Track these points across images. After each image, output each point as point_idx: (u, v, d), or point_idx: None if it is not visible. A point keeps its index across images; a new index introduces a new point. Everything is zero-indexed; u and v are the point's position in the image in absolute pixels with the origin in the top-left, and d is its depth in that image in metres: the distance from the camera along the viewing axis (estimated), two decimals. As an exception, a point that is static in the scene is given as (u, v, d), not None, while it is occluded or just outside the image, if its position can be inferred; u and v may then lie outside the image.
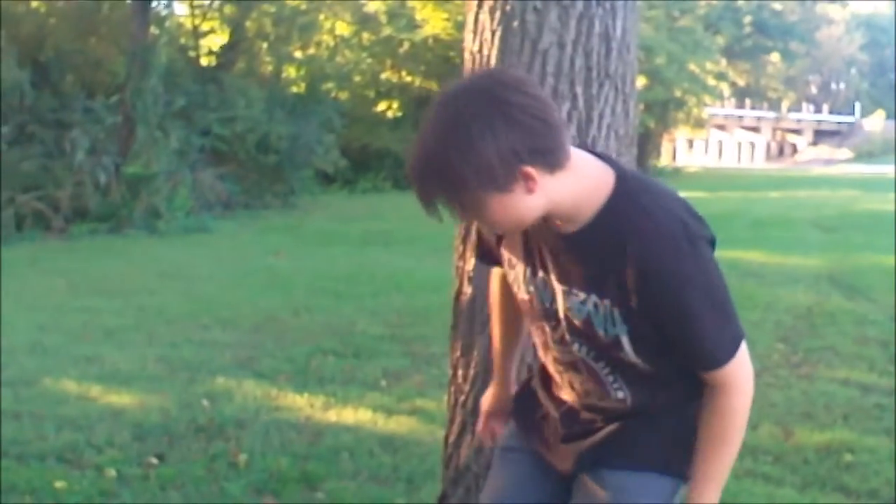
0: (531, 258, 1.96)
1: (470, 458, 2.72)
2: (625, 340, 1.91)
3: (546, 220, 1.86)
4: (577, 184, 1.82)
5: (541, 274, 1.96)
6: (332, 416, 5.63)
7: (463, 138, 1.69)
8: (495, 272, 2.24)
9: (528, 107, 1.72)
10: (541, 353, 2.13)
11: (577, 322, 1.93)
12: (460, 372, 2.79)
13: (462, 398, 2.77)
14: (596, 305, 1.89)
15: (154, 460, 4.85)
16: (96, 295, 9.86)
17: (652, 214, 1.84)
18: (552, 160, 1.76)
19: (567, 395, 2.11)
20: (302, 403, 5.87)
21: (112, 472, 4.66)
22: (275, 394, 6.08)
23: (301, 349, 7.27)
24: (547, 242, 1.92)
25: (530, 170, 1.73)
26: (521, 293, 2.03)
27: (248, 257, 12.77)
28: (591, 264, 1.87)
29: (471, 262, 2.75)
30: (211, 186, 18.07)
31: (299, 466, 4.74)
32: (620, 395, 2.02)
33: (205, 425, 5.37)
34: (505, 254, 2.04)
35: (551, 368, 2.11)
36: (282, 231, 16.23)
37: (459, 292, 2.81)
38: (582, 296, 1.91)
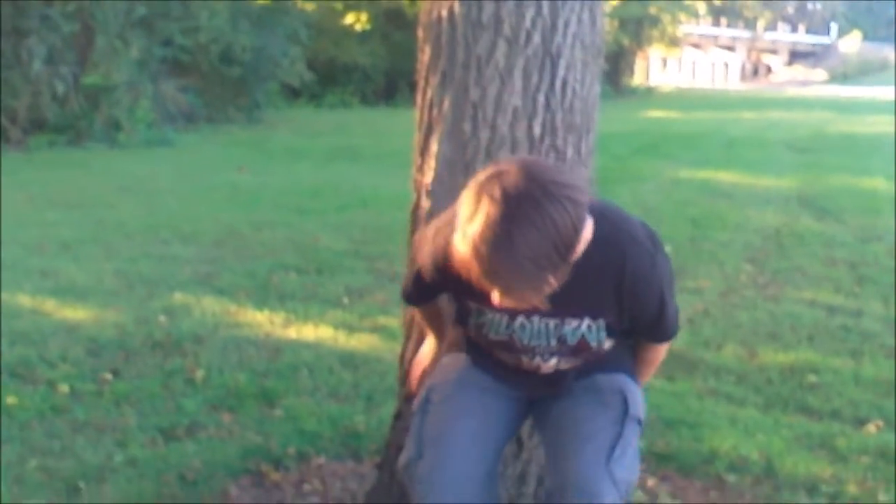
0: (507, 309, 2.13)
1: (426, 377, 2.63)
2: (607, 343, 2.25)
3: None
4: None
5: (520, 319, 2.18)
6: (293, 332, 5.53)
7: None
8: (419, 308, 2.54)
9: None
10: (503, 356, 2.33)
11: (570, 343, 2.21)
12: (416, 288, 2.68)
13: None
14: (589, 326, 2.20)
15: (108, 376, 4.75)
16: (54, 208, 9.65)
17: (634, 236, 2.18)
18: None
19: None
20: (262, 320, 5.76)
21: (65, 388, 4.55)
22: (234, 310, 5.97)
23: (262, 265, 7.14)
24: None
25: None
26: (494, 335, 2.24)
27: (210, 172, 12.55)
28: (587, 289, 2.11)
29: (429, 176, 2.62)
30: (173, 98, 17.67)
31: (258, 383, 4.66)
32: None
33: (161, 341, 5.26)
34: (473, 306, 2.22)
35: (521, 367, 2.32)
36: (246, 145, 15.97)
37: (417, 206, 2.68)
38: (575, 322, 2.18)
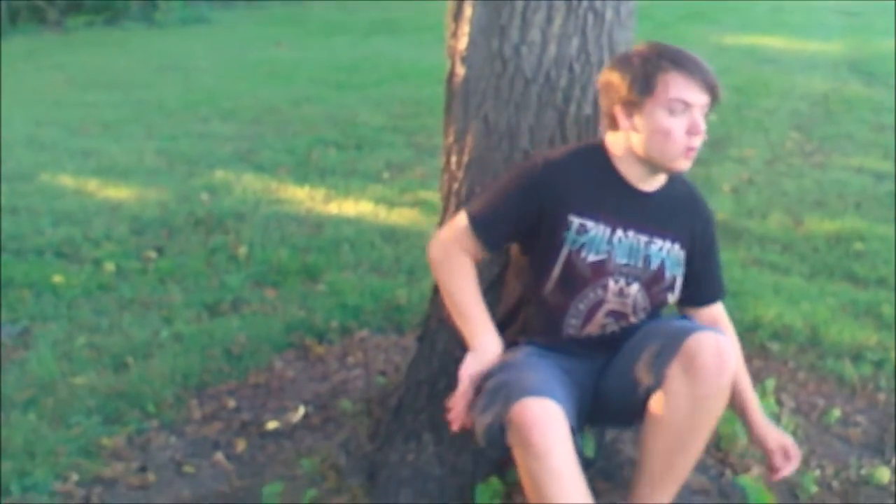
0: (611, 218, 2.26)
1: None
2: (678, 281, 2.36)
3: (627, 179, 2.29)
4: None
5: (619, 232, 2.27)
6: (333, 208, 5.53)
7: None
8: (471, 252, 2.34)
9: None
10: (574, 322, 2.32)
11: (652, 269, 2.30)
12: (454, 159, 2.63)
13: (456, 186, 2.62)
14: (669, 251, 2.32)
15: (152, 254, 4.79)
16: (94, 88, 9.63)
17: (699, 191, 2.49)
18: None
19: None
20: (302, 196, 5.76)
21: (110, 266, 4.61)
22: (275, 186, 5.97)
23: (302, 141, 7.11)
24: (630, 202, 2.28)
25: None
26: (593, 256, 2.26)
27: (248, 48, 12.39)
28: (673, 216, 2.33)
29: (463, 41, 2.54)
30: (209, -25, 17.35)
31: (300, 258, 4.68)
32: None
33: (204, 218, 5.28)
34: (574, 221, 2.24)
35: (589, 326, 2.33)
36: (283, 21, 15.72)
37: (452, 73, 2.61)
38: (660, 242, 2.31)
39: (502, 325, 2.37)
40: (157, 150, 6.92)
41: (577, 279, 2.27)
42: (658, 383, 2.16)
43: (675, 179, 2.34)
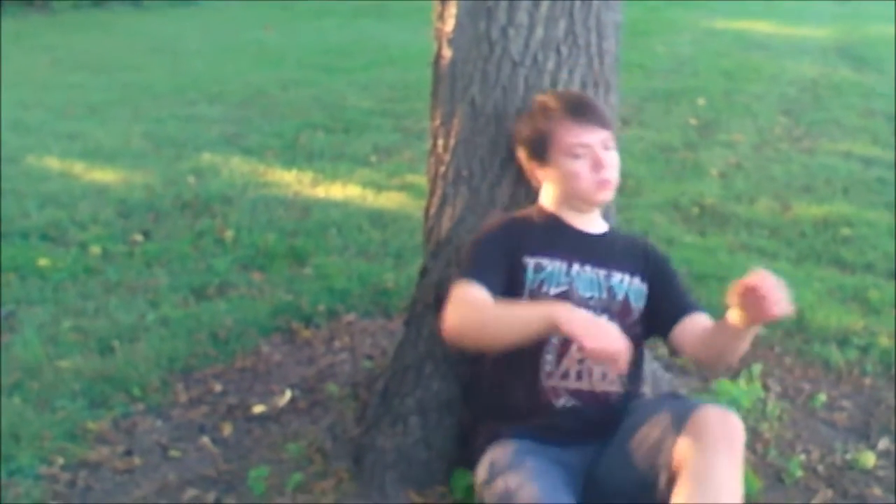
0: (565, 255, 2.32)
1: (451, 231, 2.59)
2: (642, 310, 2.37)
3: (572, 224, 2.36)
4: None
5: (576, 266, 2.32)
6: (321, 191, 5.51)
7: None
8: (482, 292, 2.24)
9: None
10: (550, 360, 2.25)
11: (618, 299, 2.33)
12: (440, 142, 2.61)
13: (442, 169, 2.61)
14: (630, 283, 2.36)
15: (139, 237, 4.77)
16: (80, 70, 9.58)
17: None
18: None
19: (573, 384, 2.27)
20: (290, 179, 5.74)
21: (96, 249, 4.59)
22: (262, 169, 5.95)
23: (290, 124, 7.08)
24: (580, 242, 2.36)
25: None
26: (554, 289, 2.28)
27: (236, 31, 12.36)
28: (626, 253, 2.41)
29: (450, 24, 2.52)
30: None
31: (287, 242, 4.66)
32: (619, 381, 2.30)
33: (190, 202, 5.26)
34: (530, 262, 2.30)
35: (563, 368, 2.25)
36: (271, 4, 15.67)
37: (439, 56, 2.59)
38: (619, 275, 2.36)
39: (482, 397, 2.38)
40: (143, 132, 6.88)
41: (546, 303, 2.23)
42: (668, 468, 2.05)
43: (614, 227, 2.51)
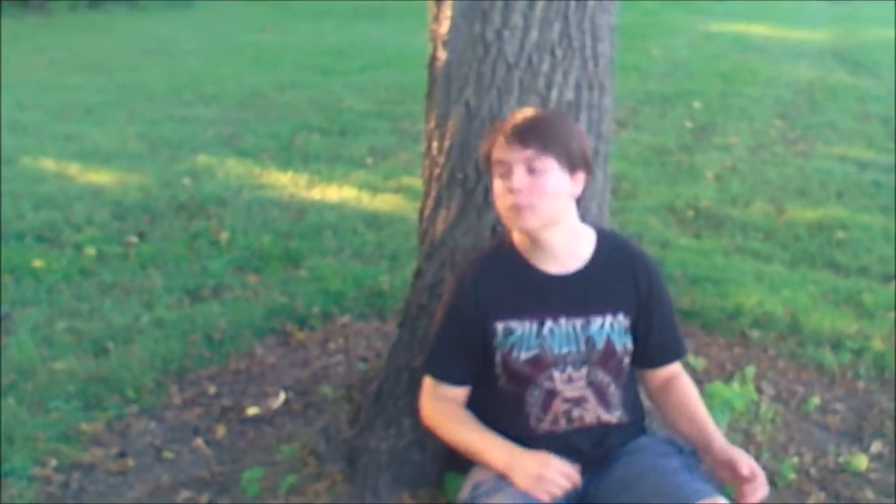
0: (535, 313, 2.17)
1: (445, 233, 2.59)
2: (630, 346, 2.21)
3: (541, 268, 2.17)
4: (576, 220, 2.20)
5: (548, 323, 2.17)
6: (317, 193, 5.51)
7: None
8: (449, 395, 2.25)
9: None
10: (536, 412, 2.19)
11: (599, 348, 2.18)
12: (435, 144, 2.61)
13: (437, 171, 2.61)
14: (612, 325, 2.20)
15: (134, 239, 4.77)
16: (77, 72, 9.58)
17: (635, 244, 2.36)
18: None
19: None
20: (285, 181, 5.74)
21: (91, 251, 4.59)
22: (258, 171, 5.95)
23: (286, 126, 7.08)
24: (552, 291, 2.17)
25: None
26: (524, 354, 2.16)
27: (233, 32, 12.36)
28: (603, 285, 2.20)
29: (445, 25, 2.52)
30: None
31: (282, 244, 4.66)
32: (617, 413, 2.22)
33: (186, 203, 5.26)
34: (499, 326, 2.17)
35: (551, 416, 2.19)
36: (269, 5, 15.67)
37: (434, 58, 2.59)
38: (599, 320, 2.19)
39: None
40: (139, 134, 6.89)
41: (521, 377, 2.18)
42: None
43: (604, 244, 2.23)
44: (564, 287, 2.18)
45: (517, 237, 2.19)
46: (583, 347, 2.18)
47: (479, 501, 2.07)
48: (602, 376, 2.20)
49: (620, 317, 2.21)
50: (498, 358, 2.18)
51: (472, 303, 2.19)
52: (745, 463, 2.05)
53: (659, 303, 2.27)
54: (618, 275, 2.22)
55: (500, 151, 2.08)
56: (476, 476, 2.16)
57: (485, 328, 2.18)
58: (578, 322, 2.18)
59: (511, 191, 2.05)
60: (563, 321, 2.18)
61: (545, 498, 2.01)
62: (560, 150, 2.06)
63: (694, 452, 2.19)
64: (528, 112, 2.14)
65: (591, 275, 2.20)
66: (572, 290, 2.18)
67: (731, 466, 2.07)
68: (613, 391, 2.22)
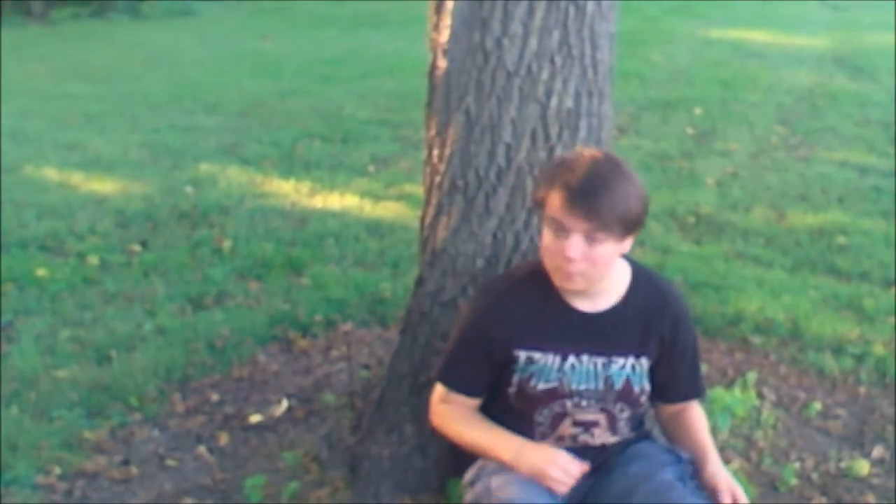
0: (560, 347, 2.16)
1: (446, 240, 2.60)
2: (647, 388, 2.22)
3: (571, 303, 2.15)
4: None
5: (571, 359, 2.16)
6: (318, 201, 5.53)
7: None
8: (461, 404, 2.27)
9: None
10: (543, 429, 2.21)
11: (617, 388, 2.18)
12: (435, 152, 2.62)
13: (438, 179, 2.62)
14: (633, 367, 2.19)
15: (137, 247, 4.79)
16: (79, 80, 9.60)
17: (669, 284, 2.31)
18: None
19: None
20: (287, 189, 5.76)
21: (94, 260, 4.60)
22: (260, 179, 5.96)
23: (287, 134, 7.10)
24: (579, 327, 2.16)
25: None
26: (542, 384, 2.16)
27: (234, 41, 12.38)
28: (631, 326, 2.18)
29: (445, 34, 2.54)
30: (195, -34, 17.30)
31: (284, 252, 4.68)
32: (622, 435, 2.25)
33: (188, 212, 5.28)
34: (521, 355, 2.17)
35: (558, 434, 2.21)
36: (270, 13, 15.69)
37: (434, 66, 2.61)
38: (621, 361, 2.18)
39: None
40: (141, 142, 6.90)
41: (533, 400, 2.18)
42: None
43: (638, 284, 2.21)
44: (592, 325, 2.17)
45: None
46: (601, 386, 2.17)
47: (482, 479, 2.09)
48: (617, 408, 2.21)
49: (643, 360, 2.20)
50: (514, 380, 2.19)
51: (498, 326, 2.18)
52: (725, 479, 2.11)
53: (683, 347, 2.26)
54: (647, 317, 2.20)
55: (558, 212, 2.02)
56: (483, 461, 2.18)
57: (507, 353, 2.17)
58: (601, 361, 2.18)
59: (566, 258, 2.02)
60: (585, 358, 2.17)
61: (555, 490, 2.03)
62: (620, 221, 2.02)
63: (692, 461, 2.20)
64: (589, 168, 2.03)
65: (620, 314, 2.18)
66: (600, 328, 2.17)
67: (714, 494, 2.09)
68: (625, 422, 2.24)
